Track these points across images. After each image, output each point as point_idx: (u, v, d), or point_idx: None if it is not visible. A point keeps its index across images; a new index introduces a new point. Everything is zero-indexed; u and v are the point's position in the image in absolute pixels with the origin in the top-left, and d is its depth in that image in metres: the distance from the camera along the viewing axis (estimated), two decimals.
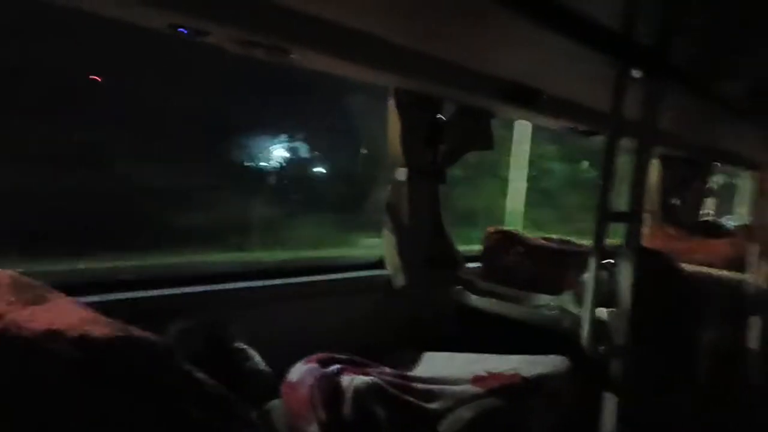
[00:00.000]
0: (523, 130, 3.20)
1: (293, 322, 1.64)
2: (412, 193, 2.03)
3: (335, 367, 1.22)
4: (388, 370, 1.34)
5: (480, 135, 2.20)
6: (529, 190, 3.35)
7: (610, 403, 1.59)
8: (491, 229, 2.37)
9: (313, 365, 1.22)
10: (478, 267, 2.38)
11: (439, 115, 2.08)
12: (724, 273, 2.98)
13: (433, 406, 1.22)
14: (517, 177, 3.28)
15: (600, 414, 1.58)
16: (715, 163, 4.11)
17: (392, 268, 2.05)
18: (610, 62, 1.46)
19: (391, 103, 1.94)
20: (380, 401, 1.15)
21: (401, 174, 2.03)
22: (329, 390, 1.15)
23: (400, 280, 2.03)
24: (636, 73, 1.51)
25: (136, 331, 0.87)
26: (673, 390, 2.02)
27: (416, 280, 2.03)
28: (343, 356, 1.30)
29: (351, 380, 1.17)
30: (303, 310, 1.74)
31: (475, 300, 2.03)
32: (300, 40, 1.36)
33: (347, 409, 1.12)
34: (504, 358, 1.47)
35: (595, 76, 1.60)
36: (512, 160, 3.25)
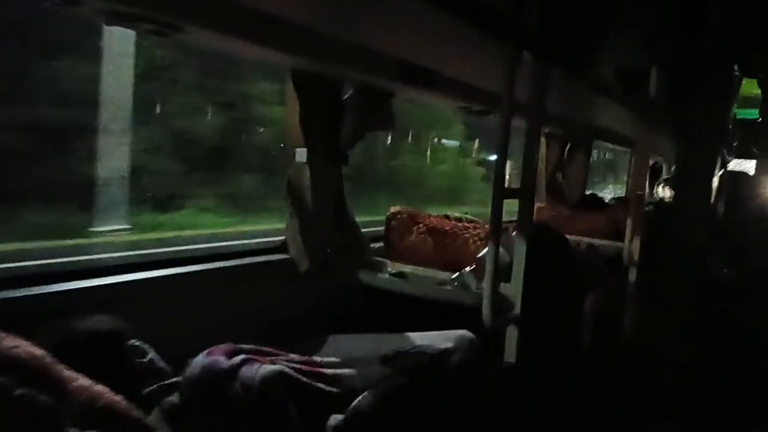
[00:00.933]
0: None
1: (192, 314, 1.56)
2: (314, 176, 2.00)
3: (239, 357, 1.18)
4: (295, 356, 1.32)
5: (380, 116, 2.21)
6: None
7: (508, 372, 1.69)
8: (393, 209, 2.40)
9: (215, 357, 1.17)
10: (382, 247, 2.41)
11: (339, 96, 2.06)
12: (603, 242, 3.24)
13: (344, 389, 1.22)
14: None
15: (502, 383, 1.67)
16: (597, 140, 4.43)
17: (295, 252, 2.01)
18: (502, 45, 1.51)
19: (290, 85, 1.89)
20: (289, 389, 1.13)
21: (302, 156, 1.99)
22: (233, 382, 1.11)
23: (304, 264, 2.00)
24: (526, 56, 1.57)
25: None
26: (562, 355, 2.18)
27: (320, 264, 2.02)
28: (247, 346, 1.26)
29: (257, 370, 1.14)
30: (202, 300, 1.66)
31: (379, 281, 2.05)
32: (192, 17, 1.28)
33: (254, 400, 1.09)
34: (410, 336, 1.50)
35: (489, 58, 1.65)
36: None
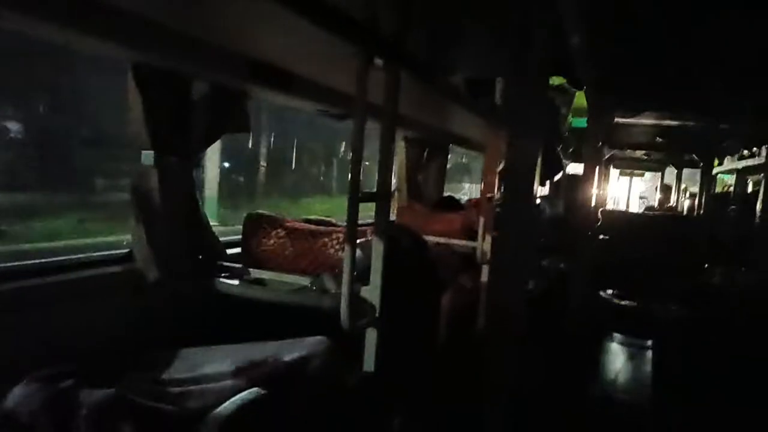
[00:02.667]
0: None
1: (23, 332, 1.38)
2: (162, 179, 1.87)
3: (67, 382, 1.05)
4: (136, 376, 1.21)
5: (235, 117, 2.12)
6: None
7: (367, 375, 1.70)
8: (251, 213, 2.32)
9: (37, 385, 1.03)
10: (240, 253, 2.32)
11: (188, 95, 1.95)
12: (459, 242, 3.42)
13: (191, 408, 1.14)
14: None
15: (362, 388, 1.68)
16: (453, 144, 4.66)
17: (143, 261, 1.87)
18: (353, 49, 1.52)
19: (131, 80, 1.74)
20: (125, 415, 1.03)
21: (148, 158, 1.85)
22: (59, 411, 0.99)
23: (153, 274, 1.86)
24: (378, 61, 1.60)
25: None
26: (420, 354, 2.25)
27: (172, 272, 1.89)
28: (76, 368, 1.13)
29: (88, 395, 1.02)
30: (35, 316, 1.47)
31: (236, 288, 1.97)
32: (20, 6, 1.13)
33: (84, 430, 0.98)
34: (265, 345, 1.45)
35: (343, 61, 1.65)
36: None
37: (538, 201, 7.57)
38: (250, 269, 2.15)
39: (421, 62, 1.84)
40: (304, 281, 1.99)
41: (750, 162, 5.46)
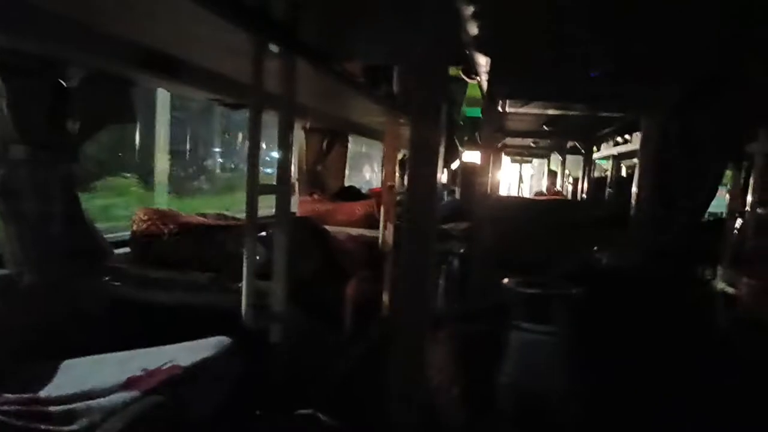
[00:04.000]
0: None
1: None
2: (34, 175, 1.69)
3: None
4: (11, 396, 1.08)
5: (119, 107, 1.96)
6: None
7: (276, 370, 1.65)
8: (141, 210, 2.17)
9: None
10: (130, 252, 2.17)
11: (62, 83, 1.77)
12: (361, 231, 3.42)
13: (75, 428, 1.04)
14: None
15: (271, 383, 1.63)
16: (353, 133, 4.64)
17: (15, 265, 1.68)
18: (249, 36, 1.46)
19: None
20: None
21: (18, 152, 1.66)
22: None
23: (27, 278, 1.68)
24: (274, 48, 1.54)
25: None
26: (328, 344, 2.23)
27: (49, 276, 1.72)
28: None
29: None
30: None
31: (126, 290, 1.83)
32: None
33: None
34: (161, 350, 1.35)
35: (238, 48, 1.58)
36: None
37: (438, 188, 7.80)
38: (142, 269, 2.01)
39: (317, 49, 1.80)
40: (203, 279, 1.90)
41: (624, 148, 5.96)
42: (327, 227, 2.97)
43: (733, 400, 1.71)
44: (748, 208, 3.36)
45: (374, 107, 3.07)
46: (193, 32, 1.57)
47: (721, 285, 3.19)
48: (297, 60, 1.61)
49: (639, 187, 4.20)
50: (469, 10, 1.70)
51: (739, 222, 3.29)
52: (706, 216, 4.46)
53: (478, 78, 3.30)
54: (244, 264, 1.50)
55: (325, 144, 4.23)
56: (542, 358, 2.01)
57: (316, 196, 3.93)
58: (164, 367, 1.25)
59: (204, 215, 2.35)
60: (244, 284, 1.50)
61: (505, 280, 2.34)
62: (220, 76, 2.11)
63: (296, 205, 3.79)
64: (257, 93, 1.46)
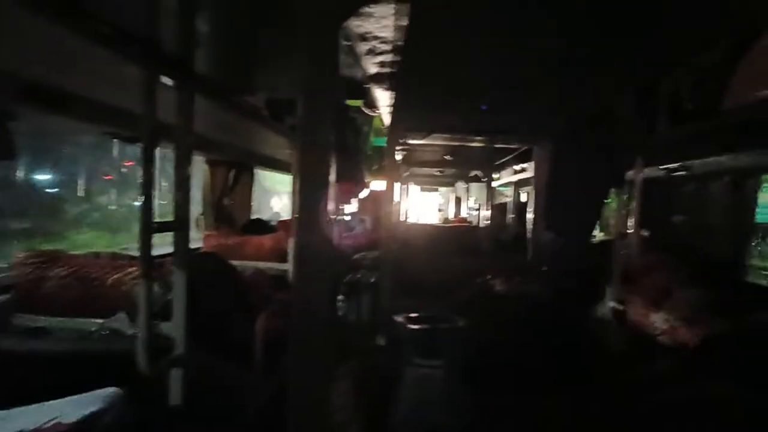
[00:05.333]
0: None
1: None
2: None
3: None
4: None
5: None
6: None
7: (176, 417, 1.56)
8: (22, 253, 2.00)
9: None
10: (11, 299, 1.98)
11: None
12: (269, 265, 3.35)
13: None
14: None
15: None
16: (260, 166, 4.57)
17: None
18: (140, 68, 1.41)
19: None
20: None
21: None
22: None
23: None
24: (167, 81, 1.50)
25: None
26: (235, 385, 2.14)
27: None
28: None
29: None
30: None
31: (6, 341, 1.67)
32: None
33: None
34: (44, 406, 1.24)
35: (129, 81, 1.52)
36: None
37: (348, 218, 7.83)
38: (25, 316, 1.85)
39: (215, 82, 1.77)
40: (95, 325, 1.77)
41: (522, 176, 6.31)
42: (234, 262, 2.88)
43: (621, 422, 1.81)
44: (630, 230, 3.66)
45: (279, 140, 3.06)
46: (80, 63, 1.50)
47: (611, 303, 3.43)
48: (193, 92, 1.58)
49: (534, 212, 4.46)
50: (365, 47, 1.75)
51: (623, 243, 3.57)
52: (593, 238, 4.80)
53: (378, 111, 3.39)
54: (139, 306, 1.42)
55: (230, 177, 4.13)
56: (433, 392, 2.04)
57: (222, 231, 3.82)
58: (47, 426, 1.14)
59: (97, 255, 2.20)
60: (139, 327, 1.41)
61: (395, 316, 2.38)
62: (112, 109, 2.01)
63: (203, 240, 3.66)
64: (149, 125, 1.41)
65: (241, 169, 4.19)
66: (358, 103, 3.52)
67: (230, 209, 4.14)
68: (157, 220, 1.46)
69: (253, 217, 4.55)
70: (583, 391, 1.84)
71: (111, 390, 1.30)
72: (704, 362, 2.45)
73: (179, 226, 1.58)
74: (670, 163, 3.60)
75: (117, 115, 2.05)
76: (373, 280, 4.21)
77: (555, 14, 1.70)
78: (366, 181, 6.37)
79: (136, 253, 2.33)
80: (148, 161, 1.41)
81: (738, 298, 2.97)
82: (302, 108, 1.16)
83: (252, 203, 4.56)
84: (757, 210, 3.55)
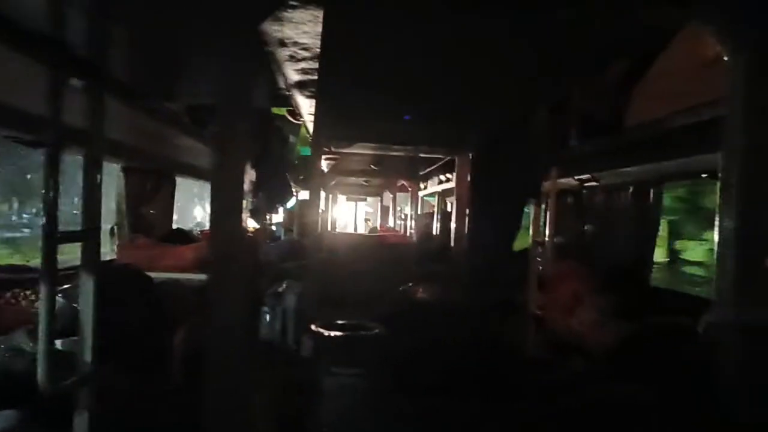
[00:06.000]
0: None
1: None
2: None
3: None
4: None
5: None
6: None
7: None
8: None
9: None
10: None
11: None
12: (191, 276, 3.23)
13: None
14: None
15: None
16: (181, 174, 4.41)
17: None
18: (46, 69, 1.33)
19: None
20: None
21: None
22: None
23: None
24: (77, 83, 1.43)
25: None
26: (148, 401, 2.05)
27: None
28: None
29: None
30: None
31: None
32: None
33: None
34: None
35: (34, 82, 1.44)
36: None
37: (273, 227, 7.71)
38: None
39: (129, 86, 1.70)
40: None
41: (447, 185, 6.47)
42: (153, 274, 2.76)
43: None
44: (547, 238, 3.84)
45: (201, 147, 2.97)
46: None
47: (531, 309, 3.57)
48: (103, 95, 1.51)
49: (456, 222, 4.58)
50: (286, 53, 1.75)
51: (540, 250, 3.74)
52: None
53: (302, 119, 3.38)
54: (40, 322, 1.33)
55: (149, 185, 3.96)
56: (353, 401, 2.04)
57: (139, 241, 3.64)
58: None
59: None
60: (39, 344, 1.32)
61: (315, 326, 2.37)
62: (14, 111, 1.89)
63: (118, 250, 3.49)
64: (54, 128, 1.33)
65: (160, 177, 4.03)
66: (282, 111, 3.49)
67: (149, 219, 3.96)
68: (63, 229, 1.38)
69: (175, 227, 4.39)
70: (502, 395, 1.90)
71: (9, 413, 1.21)
72: (612, 364, 2.59)
73: (88, 236, 1.50)
74: (582, 175, 3.82)
75: (18, 117, 1.93)
76: (298, 290, 4.16)
77: (470, 28, 1.77)
78: (293, 190, 6.31)
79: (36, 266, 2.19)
80: (52, 166, 1.33)
81: (642, 302, 3.17)
82: (218, 114, 1.14)
83: (173, 213, 4.39)
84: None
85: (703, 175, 3.05)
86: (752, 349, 1.39)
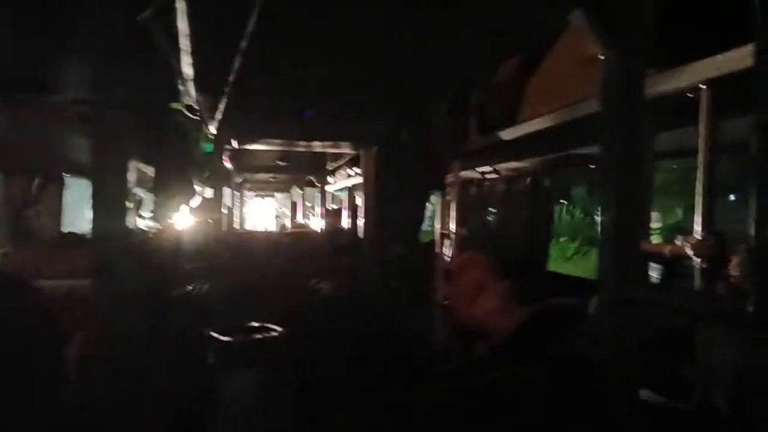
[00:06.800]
0: None
1: None
2: None
3: None
4: None
5: None
6: None
7: None
8: None
9: None
10: None
11: None
12: (85, 283, 3.04)
13: None
14: None
15: None
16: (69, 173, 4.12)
17: None
18: None
19: None
20: None
21: None
22: None
23: None
24: None
25: None
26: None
27: None
28: None
29: None
30: None
31: None
32: None
33: None
34: None
35: None
36: None
37: (178, 227, 7.37)
38: None
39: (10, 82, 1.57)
40: None
41: (355, 180, 6.49)
42: (40, 282, 2.56)
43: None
44: (452, 229, 3.97)
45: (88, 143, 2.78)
46: None
47: (437, 299, 3.68)
48: None
49: (364, 215, 4.62)
50: (181, 46, 1.67)
51: (446, 241, 3.86)
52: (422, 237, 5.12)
53: (200, 115, 3.27)
54: None
55: (32, 186, 3.66)
56: (252, 403, 2.02)
57: (25, 247, 3.37)
58: None
59: None
60: None
61: (213, 331, 2.32)
62: None
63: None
64: None
65: (47, 178, 3.74)
66: (179, 106, 3.35)
67: (34, 223, 3.67)
68: None
69: (66, 230, 4.09)
70: (407, 387, 1.95)
71: None
72: (514, 347, 2.72)
73: None
74: (482, 167, 3.98)
75: None
76: (204, 291, 4.04)
77: (365, 26, 1.79)
78: (196, 188, 6.08)
79: None
80: None
81: (539, 287, 3.36)
82: (95, 109, 1.07)
83: (62, 215, 4.09)
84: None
85: (591, 166, 3.28)
86: (627, 325, 1.52)
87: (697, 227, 1.72)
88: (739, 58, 1.39)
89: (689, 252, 1.73)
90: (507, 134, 2.90)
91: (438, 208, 3.87)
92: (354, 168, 6.07)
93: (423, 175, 3.52)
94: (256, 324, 2.25)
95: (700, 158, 1.71)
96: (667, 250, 1.91)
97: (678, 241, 1.81)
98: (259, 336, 2.08)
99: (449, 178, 3.79)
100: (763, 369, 1.01)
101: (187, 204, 6.41)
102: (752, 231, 1.03)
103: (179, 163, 4.83)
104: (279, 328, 2.11)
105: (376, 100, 2.81)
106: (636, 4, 1.57)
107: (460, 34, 1.81)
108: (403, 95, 2.72)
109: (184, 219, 7.12)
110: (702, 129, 1.68)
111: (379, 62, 2.14)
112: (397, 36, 1.92)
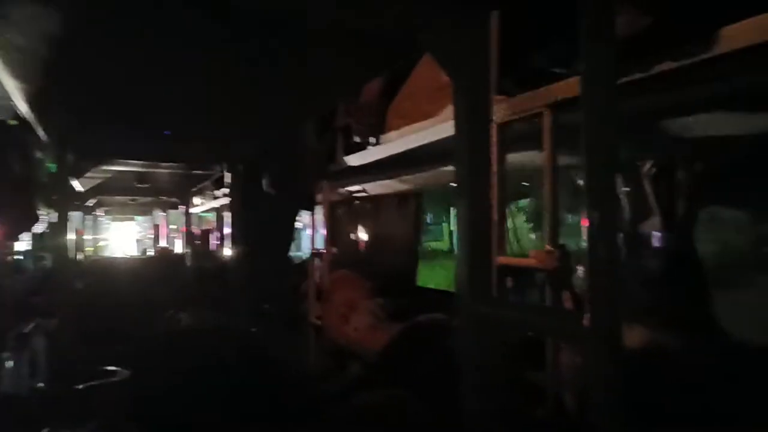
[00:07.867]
0: None
1: None
2: None
3: None
4: None
5: None
6: None
7: None
8: None
9: None
10: None
11: None
12: None
13: None
14: None
15: None
16: None
17: None
18: None
19: None
20: None
21: None
22: None
23: None
24: None
25: None
26: None
27: None
28: None
29: None
30: None
31: None
32: None
33: None
34: None
35: None
36: None
37: (19, 256, 6.57)
38: None
39: None
40: None
41: (221, 201, 6.23)
42: None
43: None
44: (323, 248, 3.94)
45: None
46: None
47: (311, 319, 3.63)
48: None
49: (232, 237, 4.44)
50: (9, 58, 1.49)
51: (317, 261, 3.82)
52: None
53: (38, 132, 2.97)
54: None
55: None
56: None
57: None
58: None
59: None
60: None
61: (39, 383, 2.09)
62: None
63: None
64: None
65: None
66: (14, 122, 3.01)
67: None
68: None
69: None
70: (272, 415, 1.88)
71: None
72: (384, 366, 2.75)
73: None
74: (350, 186, 4.01)
75: None
76: (50, 329, 3.63)
77: (222, 48, 1.73)
78: (39, 213, 5.48)
79: None
80: None
81: (410, 303, 3.45)
82: None
83: None
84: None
85: (453, 185, 3.43)
86: (482, 337, 1.58)
87: (545, 242, 1.84)
88: (575, 85, 1.51)
89: (537, 265, 1.86)
90: (370, 154, 2.95)
91: (309, 228, 3.84)
92: (221, 188, 5.83)
93: (291, 194, 3.47)
94: (103, 368, 2.03)
95: (545, 177, 1.84)
96: (520, 263, 2.04)
97: (529, 255, 1.93)
98: (93, 383, 1.88)
99: (319, 197, 3.77)
100: (597, 377, 1.10)
101: (29, 230, 5.74)
102: (587, 246, 1.13)
103: (17, 185, 4.32)
104: (121, 370, 1.92)
105: (242, 120, 2.73)
106: (478, 36, 1.64)
107: (324, 56, 1.80)
108: (269, 116, 2.67)
109: (25, 246, 6.38)
110: (545, 150, 1.81)
111: (245, 82, 2.08)
112: (262, 57, 1.88)
